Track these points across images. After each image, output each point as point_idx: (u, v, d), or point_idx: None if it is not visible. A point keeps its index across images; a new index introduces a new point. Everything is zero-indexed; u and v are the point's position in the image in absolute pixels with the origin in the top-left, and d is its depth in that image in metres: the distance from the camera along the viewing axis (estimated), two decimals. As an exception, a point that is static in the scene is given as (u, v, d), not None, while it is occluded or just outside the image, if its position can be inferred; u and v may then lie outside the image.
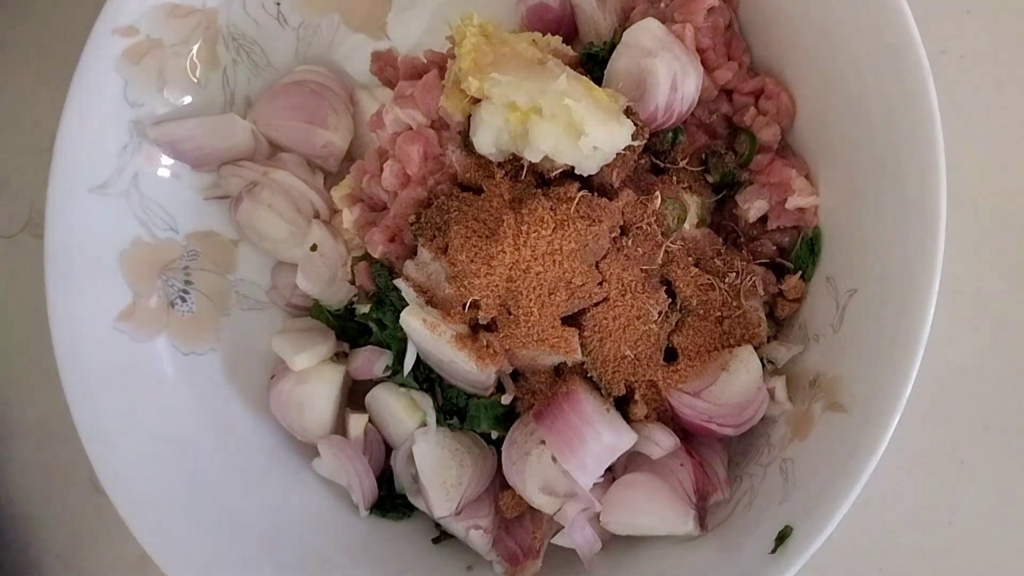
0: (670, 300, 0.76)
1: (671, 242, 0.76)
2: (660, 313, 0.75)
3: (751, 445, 0.79)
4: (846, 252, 0.75)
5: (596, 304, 0.74)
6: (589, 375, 0.76)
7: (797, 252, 0.78)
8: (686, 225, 0.78)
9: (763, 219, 0.79)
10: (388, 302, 0.80)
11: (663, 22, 0.76)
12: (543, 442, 0.74)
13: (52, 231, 0.77)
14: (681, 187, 0.78)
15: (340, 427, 0.84)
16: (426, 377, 0.79)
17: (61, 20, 0.98)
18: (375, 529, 0.84)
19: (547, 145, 0.70)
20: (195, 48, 0.82)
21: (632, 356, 0.75)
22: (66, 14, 0.98)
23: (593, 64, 0.79)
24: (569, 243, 0.71)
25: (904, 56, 0.67)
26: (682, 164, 0.79)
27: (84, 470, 0.77)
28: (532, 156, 0.71)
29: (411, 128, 0.78)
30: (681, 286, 0.76)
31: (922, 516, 0.87)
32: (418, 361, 0.78)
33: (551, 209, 0.72)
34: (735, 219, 0.80)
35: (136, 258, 0.81)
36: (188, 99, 0.83)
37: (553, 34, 0.80)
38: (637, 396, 0.75)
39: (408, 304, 0.75)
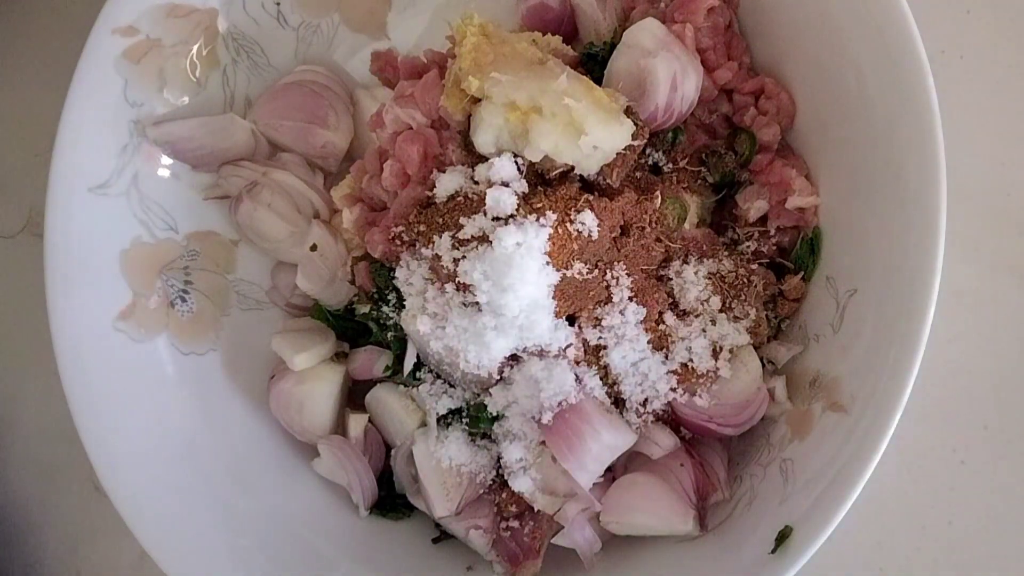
0: (670, 300, 0.76)
1: (671, 242, 0.76)
2: (660, 313, 0.75)
3: (751, 445, 0.79)
4: (846, 252, 0.75)
5: (596, 304, 0.74)
6: (589, 375, 0.76)
7: (797, 252, 0.78)
8: (686, 225, 0.78)
9: (763, 219, 0.80)
10: (388, 302, 0.80)
11: (663, 22, 0.76)
12: (543, 442, 0.74)
13: (52, 231, 0.77)
14: (681, 187, 0.78)
15: (340, 427, 0.84)
16: (426, 377, 0.79)
17: (61, 20, 0.98)
18: (375, 529, 0.84)
19: (547, 144, 0.70)
20: (195, 48, 0.82)
21: (632, 356, 0.75)
22: (66, 14, 0.98)
23: (593, 64, 0.79)
24: (569, 243, 0.71)
25: (904, 56, 0.67)
26: (682, 164, 0.79)
27: (84, 470, 0.77)
28: (532, 156, 0.71)
29: (411, 128, 0.78)
30: (681, 286, 0.76)
31: (922, 516, 0.87)
32: (418, 361, 0.78)
33: (551, 209, 0.72)
34: (735, 219, 0.80)
35: (136, 258, 0.81)
36: (188, 99, 0.83)
37: (553, 34, 0.80)
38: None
39: (408, 304, 0.75)
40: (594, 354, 0.75)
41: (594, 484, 0.74)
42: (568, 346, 0.73)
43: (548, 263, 0.70)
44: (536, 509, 0.76)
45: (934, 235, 0.66)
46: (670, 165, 0.79)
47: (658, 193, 0.76)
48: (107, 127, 0.79)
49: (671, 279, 0.77)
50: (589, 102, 0.70)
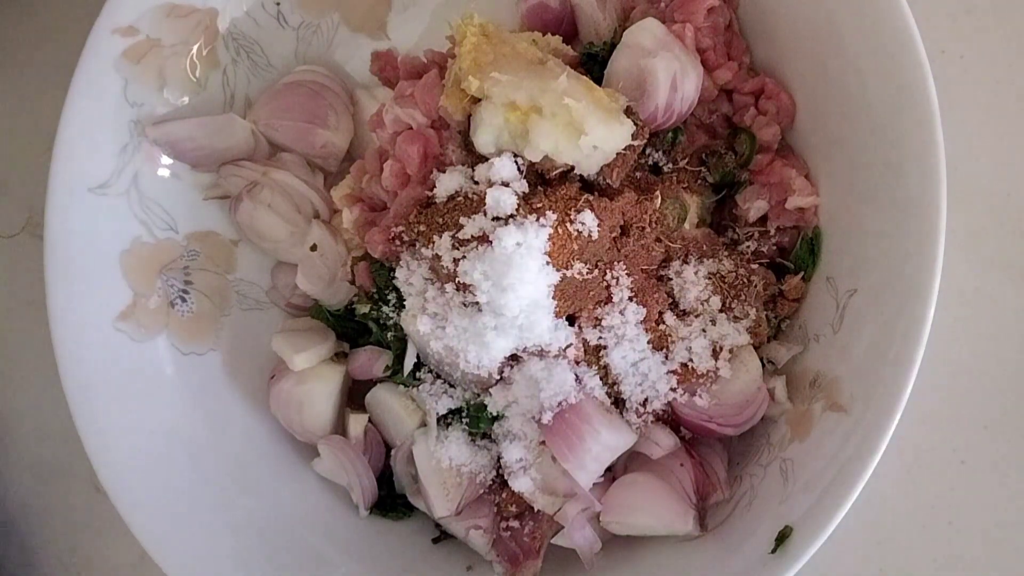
0: (670, 300, 0.76)
1: (671, 242, 0.76)
2: (660, 313, 0.75)
3: (751, 445, 0.79)
4: (846, 252, 0.75)
5: (596, 304, 0.74)
6: (589, 375, 0.76)
7: (797, 252, 0.78)
8: (686, 225, 0.78)
9: (763, 219, 0.80)
10: (388, 302, 0.80)
11: (663, 22, 0.76)
12: (543, 442, 0.74)
13: (52, 231, 0.77)
14: (681, 187, 0.78)
15: (340, 427, 0.84)
16: (426, 377, 0.79)
17: (61, 20, 0.98)
18: (375, 529, 0.84)
19: (547, 144, 0.70)
20: (195, 48, 0.82)
21: (632, 356, 0.75)
22: (66, 14, 0.98)
23: (593, 64, 0.79)
24: (569, 243, 0.71)
25: (904, 56, 0.67)
26: (682, 164, 0.79)
27: (84, 470, 0.77)
28: (532, 156, 0.71)
29: (411, 128, 0.78)
30: (681, 286, 0.76)
31: (922, 516, 0.87)
32: (418, 361, 0.78)
33: (551, 209, 0.72)
34: (735, 219, 0.80)
35: (136, 258, 0.81)
36: (188, 99, 0.83)
37: (553, 34, 0.80)
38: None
39: (408, 304, 0.75)
40: (594, 354, 0.75)
41: (594, 484, 0.74)
42: (568, 346, 0.73)
43: (548, 263, 0.70)
44: (536, 509, 0.76)
45: (934, 235, 0.66)
46: (670, 165, 0.79)
47: (658, 193, 0.76)
48: (107, 127, 0.79)
49: (671, 279, 0.77)
50: (589, 102, 0.70)
